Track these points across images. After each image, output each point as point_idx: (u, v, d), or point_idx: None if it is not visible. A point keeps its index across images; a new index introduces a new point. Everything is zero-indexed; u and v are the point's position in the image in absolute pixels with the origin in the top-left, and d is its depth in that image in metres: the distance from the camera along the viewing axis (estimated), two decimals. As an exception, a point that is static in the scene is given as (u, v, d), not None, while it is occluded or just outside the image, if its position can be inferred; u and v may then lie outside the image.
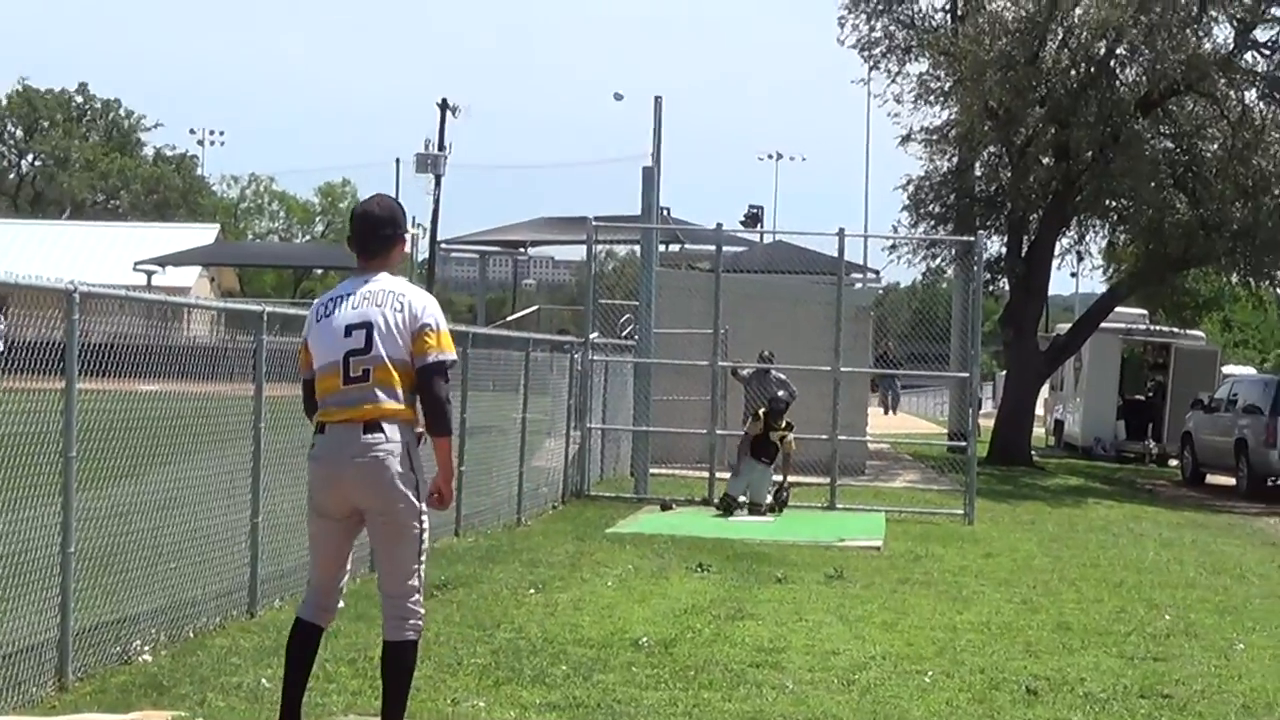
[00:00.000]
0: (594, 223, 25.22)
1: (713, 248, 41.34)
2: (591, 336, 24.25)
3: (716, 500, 22.76)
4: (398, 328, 7.48)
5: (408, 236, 8.00)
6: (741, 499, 22.18)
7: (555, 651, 11.48)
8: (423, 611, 7.75)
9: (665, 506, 22.53)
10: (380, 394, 7.47)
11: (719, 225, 27.43)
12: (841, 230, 24.71)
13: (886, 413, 53.22)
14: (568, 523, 20.40)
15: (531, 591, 14.27)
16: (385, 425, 7.43)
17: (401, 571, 7.65)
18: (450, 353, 7.61)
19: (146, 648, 10.53)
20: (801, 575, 16.18)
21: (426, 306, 7.62)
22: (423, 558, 7.69)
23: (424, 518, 7.66)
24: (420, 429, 7.75)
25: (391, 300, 7.63)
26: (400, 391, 7.51)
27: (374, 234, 7.81)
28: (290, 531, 12.39)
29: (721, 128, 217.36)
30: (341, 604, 7.87)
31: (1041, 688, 11.00)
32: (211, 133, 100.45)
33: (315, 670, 9.84)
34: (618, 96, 59.27)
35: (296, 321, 11.93)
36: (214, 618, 11.69)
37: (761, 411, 22.67)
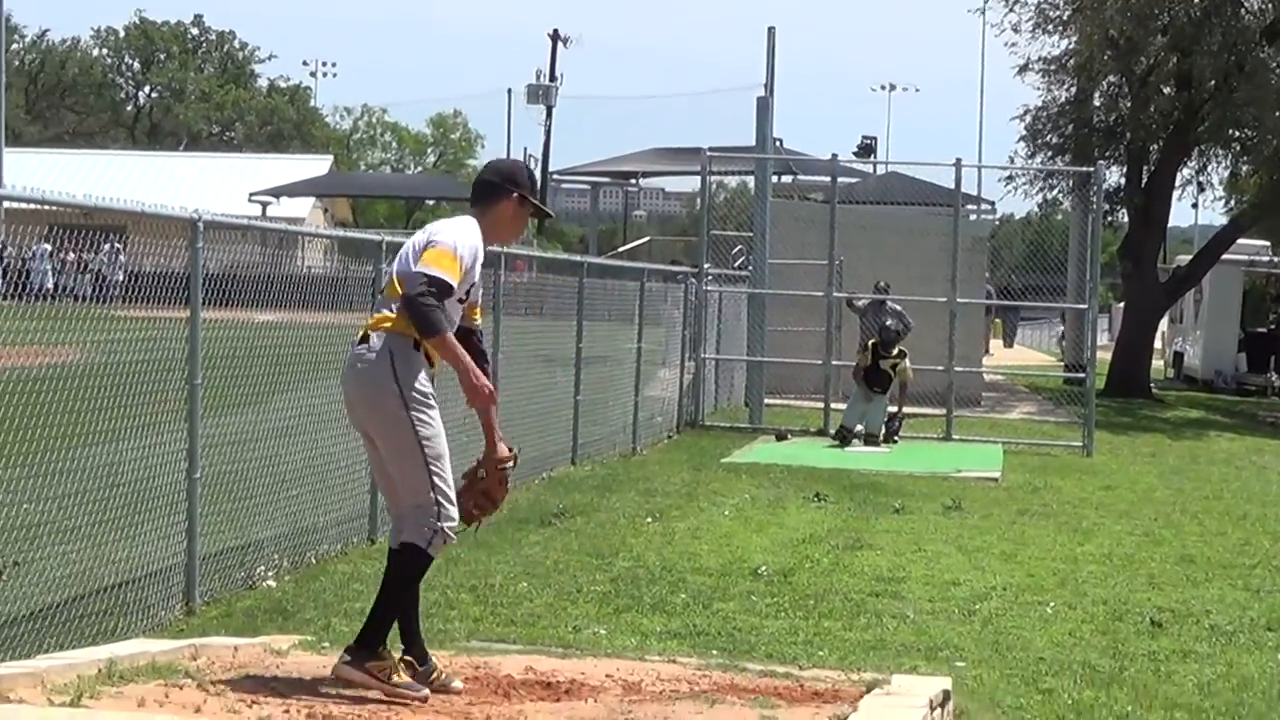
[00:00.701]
0: (709, 153, 25.10)
1: (825, 179, 41.21)
2: (705, 267, 24.17)
3: (832, 431, 22.69)
4: (414, 246, 7.22)
5: (514, 198, 7.50)
6: (858, 428, 22.09)
7: (674, 580, 11.48)
8: (442, 526, 7.08)
9: (780, 436, 22.49)
10: (383, 308, 7.27)
11: (834, 156, 27.26)
12: (958, 161, 24.56)
13: (1005, 345, 52.18)
14: (683, 452, 20.41)
15: (649, 520, 14.29)
16: (373, 335, 7.15)
17: (409, 485, 7.15)
18: (438, 269, 7.03)
19: (270, 573, 10.65)
20: (919, 506, 16.09)
21: (443, 229, 7.29)
22: (432, 468, 7.08)
23: (419, 426, 7.07)
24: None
25: (427, 227, 7.53)
26: (395, 300, 7.18)
27: (480, 179, 7.67)
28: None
29: (833, 59, 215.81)
30: None
31: (1166, 619, 10.91)
32: (323, 64, 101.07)
33: (437, 597, 9.95)
34: None
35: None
36: (335, 544, 11.79)
37: (870, 342, 22.52)
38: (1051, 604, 11.28)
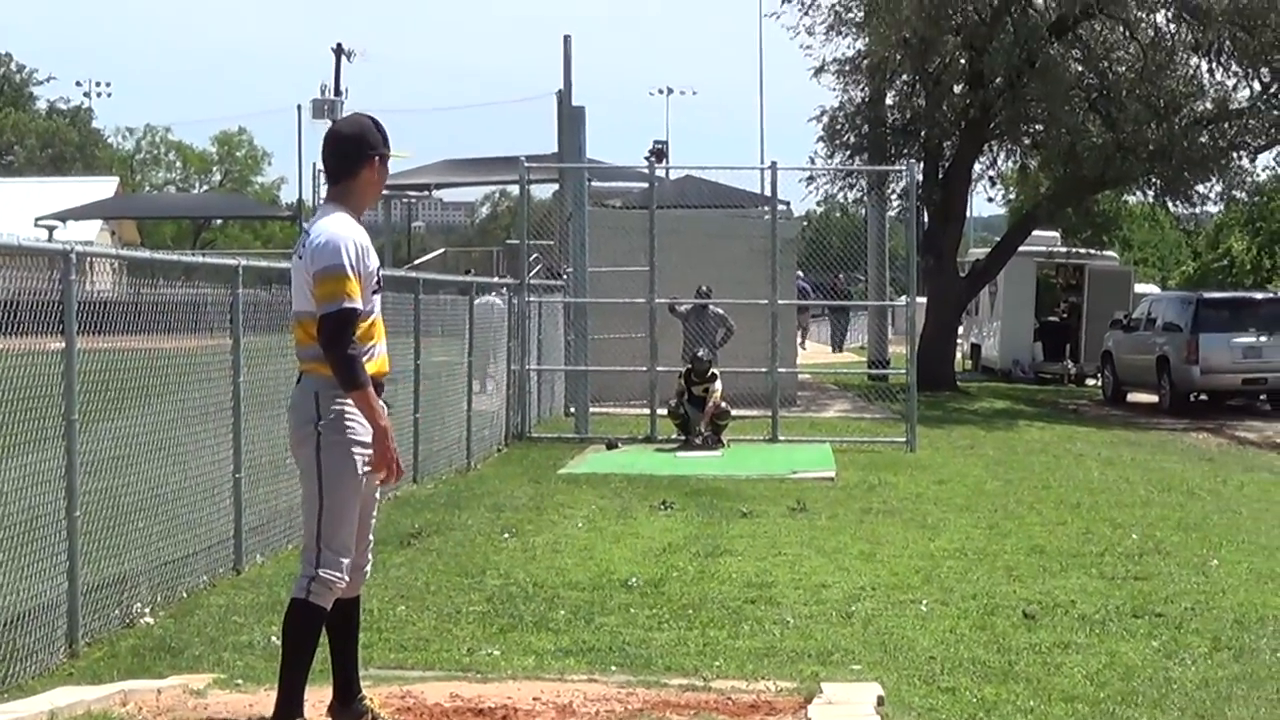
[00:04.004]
0: (526, 163, 25.01)
1: (621, 184, 41.37)
2: (526, 278, 24.10)
3: (659, 437, 22.92)
4: (305, 278, 7.00)
5: (375, 161, 7.09)
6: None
7: (549, 596, 11.42)
8: (319, 572, 6.94)
9: (611, 445, 22.49)
10: (299, 351, 7.10)
11: (649, 161, 27.35)
12: (774, 164, 24.83)
13: (835, 351, 50.91)
14: (516, 465, 20.32)
15: (505, 536, 14.21)
16: (304, 376, 7.06)
17: (306, 526, 7.08)
18: (333, 303, 6.82)
19: (146, 610, 10.38)
20: (765, 509, 16.19)
21: (320, 249, 6.92)
22: (325, 515, 6.92)
23: (324, 476, 6.94)
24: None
25: (304, 246, 7.11)
26: (312, 346, 7.00)
27: (328, 154, 7.19)
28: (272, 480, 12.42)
29: (604, 65, 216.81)
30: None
31: (1036, 611, 11.07)
32: (98, 84, 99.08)
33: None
34: None
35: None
36: (202, 576, 11.54)
37: (681, 373, 22.78)
38: (924, 602, 11.41)
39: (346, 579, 7.04)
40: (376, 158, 7.15)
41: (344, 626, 7.20)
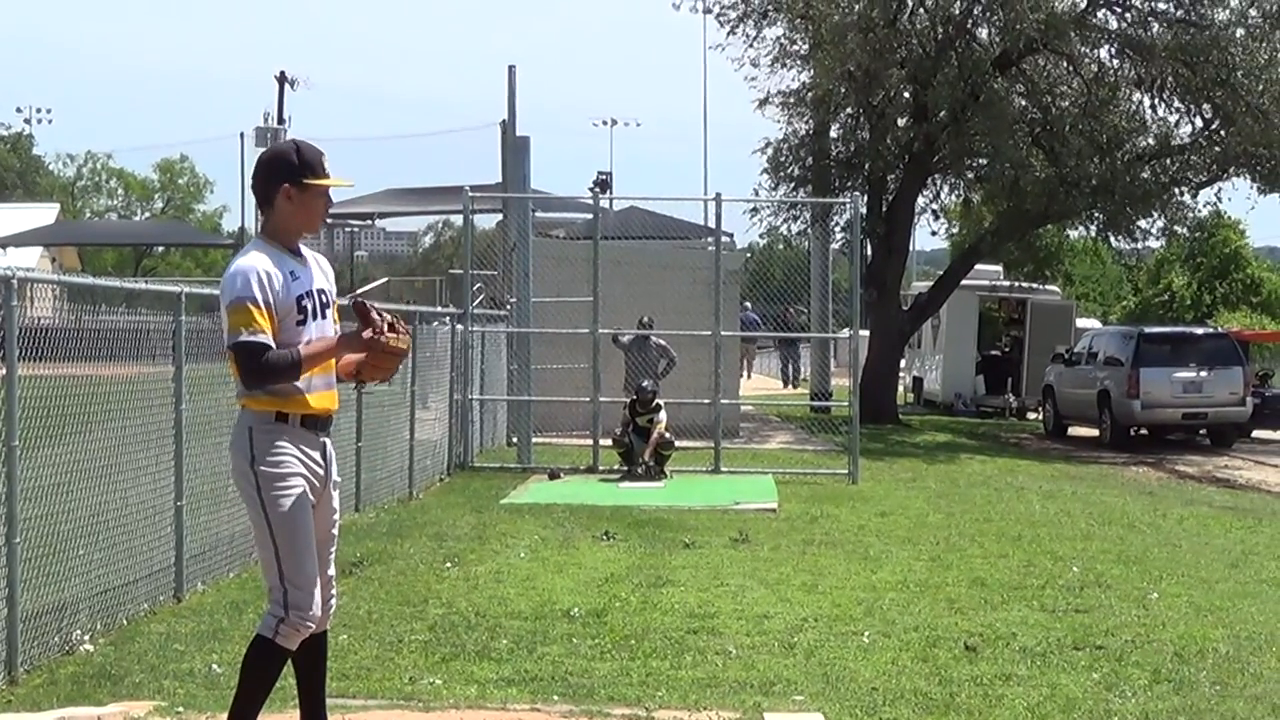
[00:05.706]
0: (470, 193, 24.99)
1: (565, 215, 41.44)
2: (470, 308, 24.09)
3: (601, 467, 22.93)
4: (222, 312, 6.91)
5: (284, 191, 6.91)
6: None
7: (491, 625, 11.40)
8: (283, 614, 6.86)
9: (553, 475, 22.50)
10: (236, 385, 6.96)
11: (593, 192, 27.38)
12: (718, 195, 24.81)
13: (786, 385, 51.04)
14: (459, 495, 20.29)
15: (448, 565, 14.19)
16: (241, 410, 6.98)
17: (264, 566, 6.97)
18: (234, 335, 6.72)
19: (86, 637, 10.32)
20: (708, 540, 16.21)
21: (224, 281, 6.84)
22: (282, 552, 6.85)
23: (270, 507, 6.85)
24: (291, 410, 6.95)
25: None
26: (239, 382, 6.93)
27: (252, 181, 7.11)
28: (214, 509, 12.35)
29: (553, 95, 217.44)
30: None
31: (978, 644, 11.09)
32: (38, 110, 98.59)
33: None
34: None
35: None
36: (143, 604, 11.48)
37: (627, 404, 22.86)
38: (866, 633, 11.43)
39: (318, 614, 6.95)
40: (288, 186, 6.97)
41: (311, 660, 7.15)
